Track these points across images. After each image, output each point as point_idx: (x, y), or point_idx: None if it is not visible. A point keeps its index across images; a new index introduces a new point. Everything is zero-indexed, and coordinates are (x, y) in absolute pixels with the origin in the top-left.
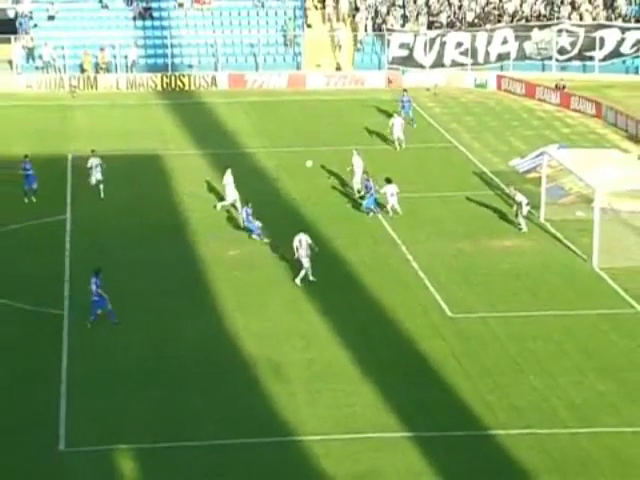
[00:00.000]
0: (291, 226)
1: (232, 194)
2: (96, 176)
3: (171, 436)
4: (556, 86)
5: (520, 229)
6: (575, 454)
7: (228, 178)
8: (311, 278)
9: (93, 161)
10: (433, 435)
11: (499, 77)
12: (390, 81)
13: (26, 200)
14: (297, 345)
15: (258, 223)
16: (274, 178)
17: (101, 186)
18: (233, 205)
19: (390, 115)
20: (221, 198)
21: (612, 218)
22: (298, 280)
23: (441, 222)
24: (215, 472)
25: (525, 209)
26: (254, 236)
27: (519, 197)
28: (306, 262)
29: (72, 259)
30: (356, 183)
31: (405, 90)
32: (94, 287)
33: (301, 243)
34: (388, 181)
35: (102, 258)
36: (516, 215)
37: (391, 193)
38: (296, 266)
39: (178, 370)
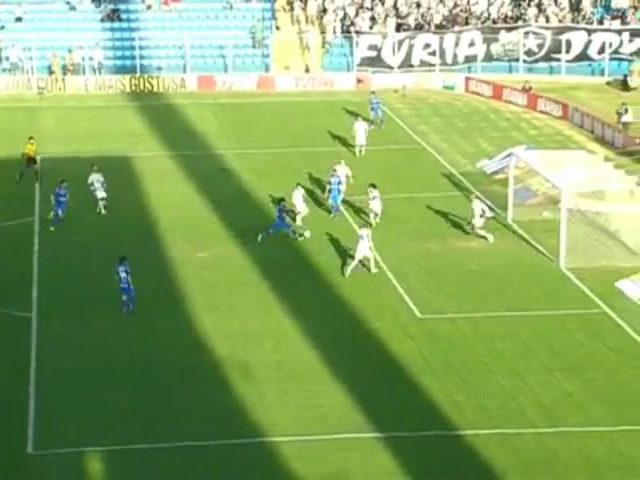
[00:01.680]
0: (261, 228)
1: (301, 207)
2: (100, 194)
3: (141, 438)
4: (523, 88)
5: (486, 239)
6: (542, 454)
7: (297, 194)
8: (374, 270)
9: (94, 177)
10: (403, 435)
11: (467, 79)
12: (360, 81)
13: (52, 229)
14: (267, 345)
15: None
16: (243, 181)
17: (103, 203)
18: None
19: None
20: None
21: (579, 219)
22: (348, 270)
23: (410, 223)
24: (184, 474)
25: (479, 220)
26: (289, 233)
27: (475, 204)
28: (361, 255)
29: (40, 261)
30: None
31: (373, 92)
32: (124, 274)
33: (363, 237)
34: (373, 186)
35: (71, 259)
36: (469, 224)
37: (373, 196)
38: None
39: (148, 371)
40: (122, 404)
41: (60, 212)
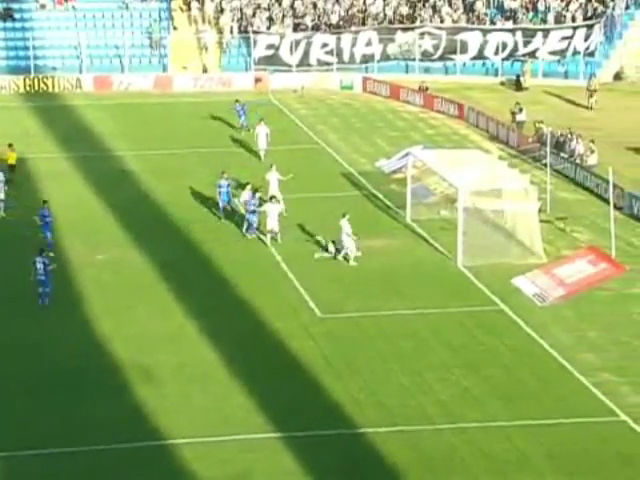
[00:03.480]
0: (161, 230)
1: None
2: None
3: (45, 443)
4: (419, 88)
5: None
6: (442, 450)
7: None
8: (352, 262)
9: None
10: (304, 435)
11: (364, 79)
12: (258, 80)
13: (52, 254)
14: (168, 348)
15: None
16: (143, 181)
17: (2, 204)
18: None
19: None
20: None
21: (475, 217)
22: (340, 256)
23: (310, 223)
24: (82, 478)
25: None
26: (249, 232)
27: (330, 247)
28: (347, 244)
29: None
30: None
31: (237, 100)
32: (41, 265)
33: (342, 227)
34: (272, 199)
35: None
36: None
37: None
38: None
39: (47, 375)
40: (25, 409)
41: (49, 235)
